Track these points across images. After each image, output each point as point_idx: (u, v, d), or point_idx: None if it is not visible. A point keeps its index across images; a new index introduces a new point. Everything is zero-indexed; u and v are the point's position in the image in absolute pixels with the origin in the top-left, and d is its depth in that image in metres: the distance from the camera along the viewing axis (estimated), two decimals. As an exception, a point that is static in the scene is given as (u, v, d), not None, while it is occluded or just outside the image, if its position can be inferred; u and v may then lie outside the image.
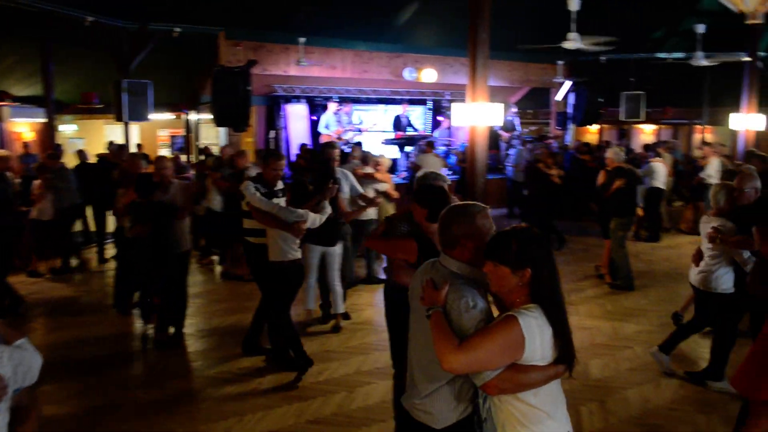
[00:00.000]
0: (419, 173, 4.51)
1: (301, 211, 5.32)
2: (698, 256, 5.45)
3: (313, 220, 5.41)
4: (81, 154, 10.40)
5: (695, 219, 11.54)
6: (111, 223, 8.78)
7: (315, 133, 14.29)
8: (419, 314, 2.62)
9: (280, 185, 5.77)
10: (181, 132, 15.51)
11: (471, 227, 2.54)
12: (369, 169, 8.03)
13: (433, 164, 10.64)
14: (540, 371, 2.33)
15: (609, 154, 8.72)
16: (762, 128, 11.72)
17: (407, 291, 3.63)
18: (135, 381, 5.61)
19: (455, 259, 2.57)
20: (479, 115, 7.09)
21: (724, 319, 5.27)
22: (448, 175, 7.14)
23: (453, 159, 14.02)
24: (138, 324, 6.75)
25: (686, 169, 14.23)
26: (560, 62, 15.58)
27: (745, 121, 10.91)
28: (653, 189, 10.73)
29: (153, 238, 6.05)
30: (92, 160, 10.50)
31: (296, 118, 14.69)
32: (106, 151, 11.20)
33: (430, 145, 11.59)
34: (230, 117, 9.70)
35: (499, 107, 7.41)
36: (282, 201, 5.60)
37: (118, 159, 9.44)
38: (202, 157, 11.55)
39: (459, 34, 7.83)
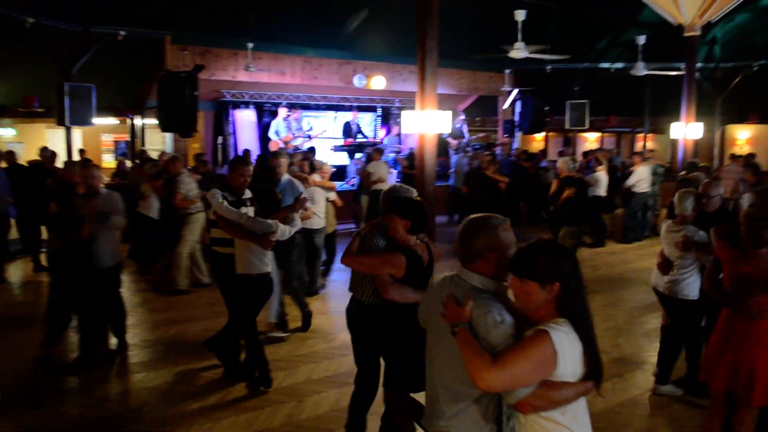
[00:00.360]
0: (387, 187, 4.46)
1: (270, 221, 5.09)
2: (664, 264, 5.30)
3: (283, 231, 5.18)
4: (9, 156, 9.87)
5: (624, 226, 11.91)
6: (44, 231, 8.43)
7: (264, 140, 14.15)
8: (440, 332, 2.52)
9: (248, 194, 5.55)
10: (126, 137, 15.15)
11: (494, 240, 2.48)
12: (317, 177, 7.97)
13: (382, 171, 10.67)
14: (571, 388, 2.26)
15: (560, 163, 8.87)
16: (700, 136, 12.15)
17: (390, 307, 3.74)
18: (74, 396, 5.42)
19: (477, 273, 2.50)
20: (428, 123, 7.14)
21: (685, 324, 5.27)
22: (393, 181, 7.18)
23: (398, 166, 14.05)
24: (75, 337, 6.51)
25: (622, 177, 14.68)
26: (507, 71, 15.88)
27: (685, 130, 11.27)
28: (596, 197, 10.98)
29: (71, 250, 5.67)
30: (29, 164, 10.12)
31: (245, 124, 14.54)
32: (38, 157, 10.74)
33: (379, 152, 11.63)
34: (176, 122, 9.54)
35: (448, 115, 7.47)
36: (250, 210, 5.38)
37: (52, 166, 9.12)
38: (137, 161, 11.26)
39: (408, 42, 7.89)
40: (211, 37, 12.60)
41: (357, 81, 14.37)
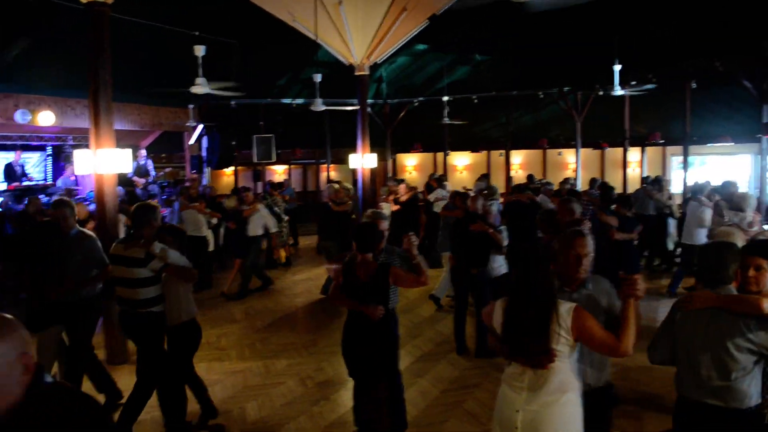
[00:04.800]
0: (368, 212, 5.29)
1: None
2: None
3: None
4: None
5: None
6: None
7: None
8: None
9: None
10: None
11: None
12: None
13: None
14: None
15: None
16: (375, 165, 13.27)
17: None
18: None
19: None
20: (105, 162, 6.59)
21: None
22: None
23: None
24: None
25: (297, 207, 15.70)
26: (191, 106, 15.55)
27: (361, 160, 12.18)
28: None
29: None
30: None
31: None
32: None
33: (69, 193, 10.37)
34: None
35: (128, 152, 7.00)
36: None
37: None
38: None
39: (81, 75, 7.21)
40: None
41: (20, 116, 12.71)
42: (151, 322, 5.02)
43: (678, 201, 12.95)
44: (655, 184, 12.31)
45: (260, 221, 10.35)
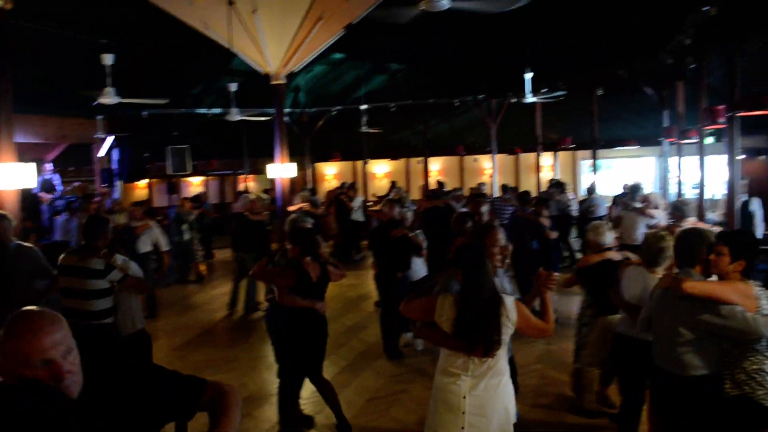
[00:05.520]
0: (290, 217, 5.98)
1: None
2: None
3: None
4: None
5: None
6: None
7: None
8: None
9: None
10: None
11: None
12: None
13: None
14: None
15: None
16: (294, 175, 13.12)
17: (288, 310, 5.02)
18: None
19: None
20: (6, 177, 6.22)
21: None
22: None
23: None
24: None
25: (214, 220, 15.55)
26: (100, 117, 14.93)
27: (280, 170, 12.01)
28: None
29: None
30: None
31: None
32: None
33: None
34: None
35: (32, 167, 6.63)
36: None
37: None
38: None
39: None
40: None
41: None
42: (104, 333, 5.02)
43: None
44: (557, 186, 13.39)
45: (149, 239, 9.81)
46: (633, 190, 9.61)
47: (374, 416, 5.71)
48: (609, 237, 5.33)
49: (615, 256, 5.21)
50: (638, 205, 9.11)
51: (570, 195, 13.39)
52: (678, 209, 6.98)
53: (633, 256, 4.93)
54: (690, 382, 3.56)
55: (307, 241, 5.06)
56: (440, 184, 14.31)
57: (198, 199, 14.59)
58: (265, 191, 14.18)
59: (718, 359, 3.53)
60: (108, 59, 10.80)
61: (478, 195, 10.39)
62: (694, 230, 3.96)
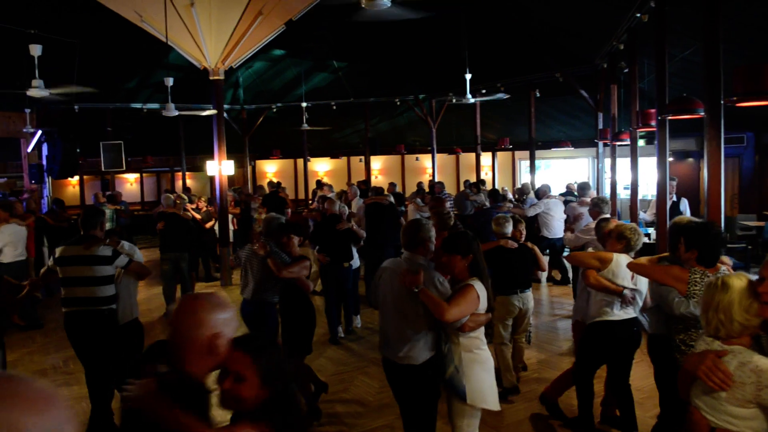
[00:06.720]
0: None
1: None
2: None
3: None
4: None
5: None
6: None
7: None
8: (393, 296, 3.87)
9: None
10: None
11: (429, 233, 3.95)
12: None
13: None
14: (483, 316, 3.79)
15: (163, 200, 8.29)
16: (233, 173, 12.91)
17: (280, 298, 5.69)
18: None
19: (420, 255, 3.92)
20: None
21: None
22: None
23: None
24: None
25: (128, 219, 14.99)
26: (28, 110, 14.32)
27: (218, 167, 11.81)
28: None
29: None
30: None
31: None
32: None
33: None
34: None
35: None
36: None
37: None
38: None
39: None
40: None
41: None
42: (106, 318, 5.17)
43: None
44: (473, 186, 14.21)
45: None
46: (583, 188, 10.20)
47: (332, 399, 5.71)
48: (509, 228, 6.30)
49: (511, 244, 6.15)
50: (587, 200, 9.48)
51: (484, 194, 13.74)
52: (597, 205, 7.36)
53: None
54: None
55: (300, 231, 5.81)
56: (440, 184, 14.48)
57: (113, 198, 13.74)
58: (234, 191, 13.84)
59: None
60: (36, 50, 10.35)
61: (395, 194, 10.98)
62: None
